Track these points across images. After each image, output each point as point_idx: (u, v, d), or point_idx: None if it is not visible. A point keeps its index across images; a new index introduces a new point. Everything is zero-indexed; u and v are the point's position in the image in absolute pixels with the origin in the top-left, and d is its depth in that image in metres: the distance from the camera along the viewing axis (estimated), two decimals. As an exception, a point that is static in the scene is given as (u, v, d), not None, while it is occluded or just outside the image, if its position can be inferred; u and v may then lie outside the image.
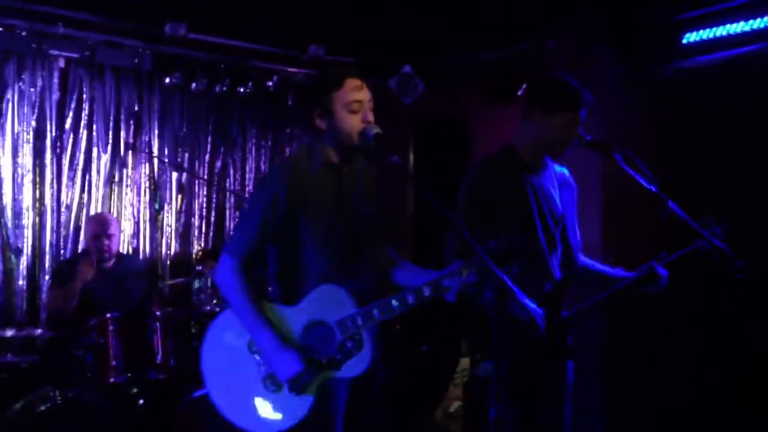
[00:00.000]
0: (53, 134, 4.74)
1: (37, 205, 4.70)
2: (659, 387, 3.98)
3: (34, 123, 4.67)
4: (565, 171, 2.83)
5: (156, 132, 5.15)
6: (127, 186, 5.06)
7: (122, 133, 5.03)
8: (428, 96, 5.11)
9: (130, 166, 5.08)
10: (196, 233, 5.37)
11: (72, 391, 3.50)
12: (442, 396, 4.49)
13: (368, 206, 2.39)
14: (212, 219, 5.44)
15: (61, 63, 4.72)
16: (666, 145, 3.89)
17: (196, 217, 5.38)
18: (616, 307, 2.99)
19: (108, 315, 3.72)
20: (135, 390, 3.78)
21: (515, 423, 2.42)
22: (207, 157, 5.40)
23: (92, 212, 4.82)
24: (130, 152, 5.05)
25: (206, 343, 2.24)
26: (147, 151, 5.10)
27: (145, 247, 5.13)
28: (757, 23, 3.76)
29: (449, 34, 4.64)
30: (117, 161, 5.01)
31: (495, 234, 2.07)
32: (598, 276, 2.78)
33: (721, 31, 3.88)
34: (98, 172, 4.93)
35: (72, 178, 4.83)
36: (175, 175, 5.24)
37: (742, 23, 3.81)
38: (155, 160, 5.14)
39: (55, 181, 4.75)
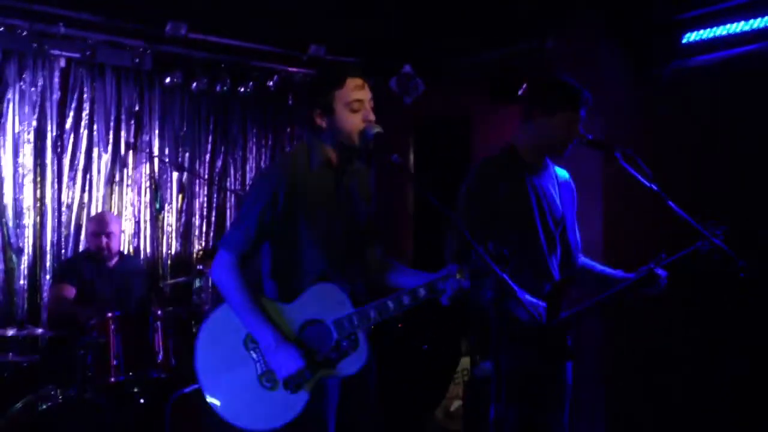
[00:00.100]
0: (54, 134, 4.75)
1: (38, 204, 4.71)
2: (659, 387, 3.98)
3: (34, 123, 4.68)
4: (566, 172, 2.83)
5: (157, 132, 5.16)
6: (127, 186, 5.06)
7: (123, 133, 5.03)
8: (429, 96, 5.12)
9: (130, 165, 5.09)
10: (197, 233, 5.38)
11: (73, 390, 3.50)
12: (443, 395, 4.50)
13: (366, 206, 2.40)
14: (213, 218, 5.45)
15: (62, 63, 4.73)
16: (666, 145, 3.89)
17: (197, 216, 5.38)
18: (616, 308, 2.99)
19: (109, 314, 3.72)
20: (136, 389, 3.78)
21: (515, 423, 2.43)
22: (207, 156, 5.41)
23: (93, 212, 4.83)
24: (130, 152, 5.06)
25: (201, 340, 2.23)
26: (148, 150, 5.10)
27: (145, 246, 5.14)
28: (757, 23, 3.76)
29: (449, 34, 4.64)
30: (118, 161, 5.02)
31: (486, 241, 2.07)
32: (598, 277, 2.78)
33: (721, 30, 3.88)
34: (99, 171, 4.94)
35: (73, 178, 4.84)
36: (175, 174, 5.25)
37: (742, 23, 3.81)
38: (156, 160, 5.14)
39: (55, 180, 4.76)
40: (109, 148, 4.96)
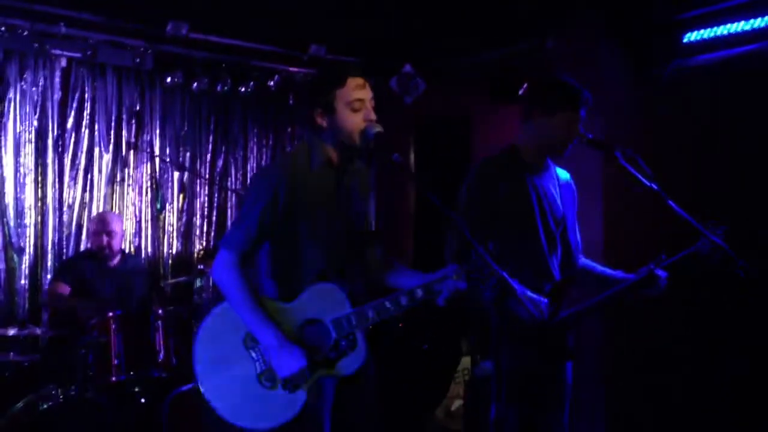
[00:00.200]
0: (55, 134, 4.75)
1: (39, 204, 4.72)
2: (659, 387, 3.98)
3: (36, 122, 4.68)
4: (567, 173, 2.83)
5: (157, 131, 5.17)
6: (128, 185, 5.07)
7: (124, 133, 5.04)
8: (429, 96, 5.12)
9: (131, 165, 5.09)
10: (198, 232, 5.38)
11: (74, 389, 3.51)
12: (444, 395, 4.50)
13: (366, 206, 2.40)
14: (214, 218, 5.45)
15: (63, 62, 4.73)
16: (666, 145, 3.89)
17: (198, 216, 5.39)
18: (616, 308, 3.00)
19: (110, 314, 3.73)
20: (137, 388, 3.79)
21: (515, 423, 2.43)
22: (208, 156, 5.41)
23: (94, 211, 4.84)
24: (131, 152, 5.07)
25: (199, 338, 2.22)
26: (149, 150, 5.11)
27: (146, 246, 5.14)
28: (757, 22, 3.77)
29: (450, 34, 4.65)
30: (119, 160, 5.03)
31: (486, 241, 2.08)
32: (598, 278, 2.78)
33: (721, 30, 3.88)
34: (100, 171, 4.95)
35: (74, 178, 4.84)
36: (176, 174, 5.26)
37: (742, 22, 3.81)
38: (157, 160, 5.15)
39: (57, 180, 4.77)
40: (110, 147, 4.97)
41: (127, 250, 4.88)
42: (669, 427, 3.96)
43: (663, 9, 4.03)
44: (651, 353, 3.96)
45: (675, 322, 3.86)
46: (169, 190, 5.25)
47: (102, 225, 4.30)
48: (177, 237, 5.29)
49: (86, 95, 4.87)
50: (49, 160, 4.73)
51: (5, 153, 4.57)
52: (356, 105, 2.23)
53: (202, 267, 4.37)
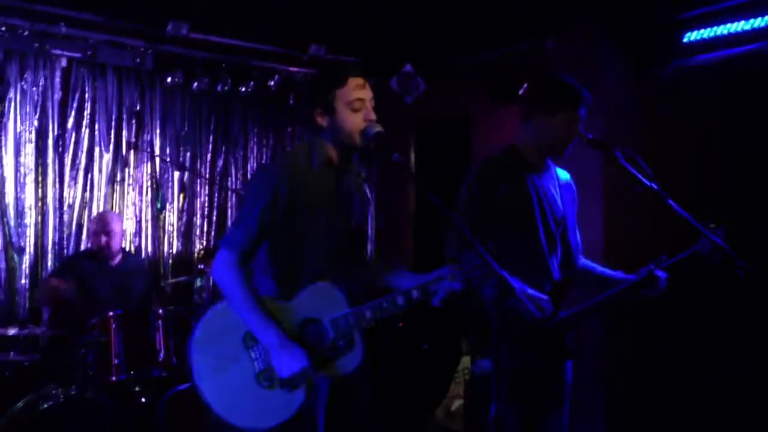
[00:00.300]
0: (55, 133, 4.76)
1: (40, 204, 4.72)
2: (659, 387, 3.98)
3: (36, 122, 4.69)
4: (567, 173, 2.84)
5: (158, 131, 5.17)
6: (129, 185, 5.07)
7: (124, 133, 5.04)
8: (429, 96, 5.12)
9: (132, 165, 5.10)
10: (198, 232, 5.39)
11: (74, 389, 3.51)
12: (444, 394, 4.50)
13: (360, 206, 2.41)
14: (214, 218, 5.45)
15: (63, 62, 4.73)
16: (666, 145, 3.89)
17: (198, 216, 5.39)
18: (616, 309, 3.00)
19: (110, 313, 3.73)
20: (137, 388, 3.79)
21: (515, 423, 2.43)
22: (209, 156, 5.41)
23: (94, 211, 4.84)
24: (132, 151, 5.07)
25: (196, 338, 2.20)
26: (149, 150, 5.11)
27: (147, 246, 5.14)
28: (757, 22, 3.77)
29: (449, 34, 4.65)
30: (119, 160, 5.03)
31: (486, 241, 2.08)
32: (598, 278, 2.79)
33: (721, 30, 3.89)
34: (100, 171, 4.95)
35: (74, 177, 4.85)
36: (176, 174, 5.26)
37: (742, 22, 3.81)
38: (157, 160, 5.15)
39: (57, 180, 4.77)
40: (111, 147, 4.97)
41: (128, 250, 4.89)
42: (669, 427, 3.96)
43: (663, 9, 4.03)
44: (651, 353, 3.96)
45: (675, 322, 3.86)
46: (170, 189, 5.25)
47: (101, 225, 4.30)
48: (177, 237, 5.29)
49: (86, 95, 4.87)
50: (50, 160, 4.73)
51: (5, 153, 4.57)
52: (356, 105, 2.23)
53: (202, 267, 4.38)
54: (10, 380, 3.81)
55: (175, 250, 5.27)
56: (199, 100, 5.31)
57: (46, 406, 3.43)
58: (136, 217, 5.11)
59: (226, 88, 5.07)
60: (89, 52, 4.58)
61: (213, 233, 5.43)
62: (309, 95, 2.34)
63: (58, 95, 4.76)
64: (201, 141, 5.38)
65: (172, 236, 5.27)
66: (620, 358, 4.05)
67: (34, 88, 4.65)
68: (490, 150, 2.78)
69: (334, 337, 2.21)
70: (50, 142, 4.73)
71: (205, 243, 5.38)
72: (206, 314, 2.25)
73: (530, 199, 2.64)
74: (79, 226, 4.85)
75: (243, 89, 5.15)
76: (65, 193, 4.80)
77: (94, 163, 4.92)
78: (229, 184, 5.51)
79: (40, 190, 4.72)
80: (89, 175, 4.90)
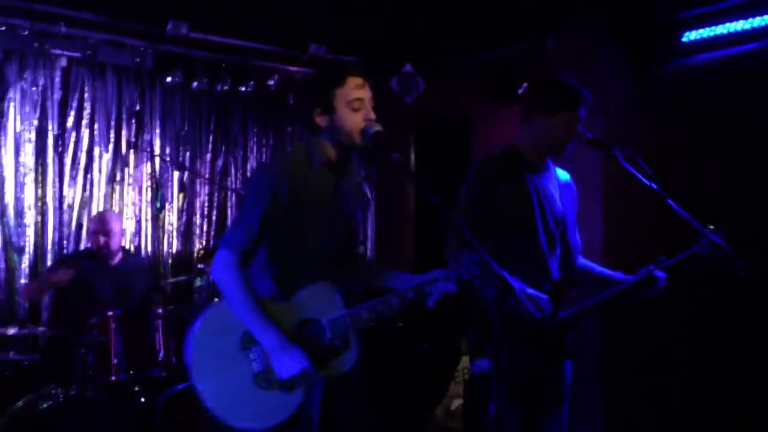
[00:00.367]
0: (55, 133, 4.75)
1: (39, 203, 4.72)
2: (658, 387, 3.98)
3: (36, 122, 4.68)
4: (567, 173, 2.84)
5: (157, 131, 5.16)
6: (128, 185, 5.07)
7: (124, 132, 5.04)
8: (429, 96, 5.12)
9: (131, 164, 5.09)
10: (198, 232, 5.38)
11: (74, 388, 3.51)
12: (443, 394, 4.50)
13: (356, 207, 2.42)
14: (214, 217, 5.45)
15: (63, 62, 4.73)
16: (666, 145, 3.90)
17: (198, 215, 5.39)
18: (615, 309, 3.00)
19: (110, 313, 3.73)
20: (137, 388, 3.79)
21: (514, 422, 2.43)
22: (208, 155, 5.41)
23: (94, 211, 4.83)
24: (131, 151, 5.07)
25: (193, 338, 2.19)
26: (148, 149, 5.11)
27: (146, 245, 5.14)
28: (756, 22, 3.77)
29: (449, 34, 4.65)
30: (119, 160, 5.03)
31: (486, 241, 2.09)
32: (597, 278, 2.79)
33: (720, 29, 3.89)
34: (100, 170, 4.95)
35: (74, 177, 4.84)
36: (176, 173, 5.25)
37: (741, 22, 3.81)
38: (157, 159, 5.15)
39: (56, 179, 4.76)
40: (110, 147, 4.97)
41: (128, 249, 4.88)
42: (668, 427, 3.96)
43: (663, 9, 4.03)
44: (650, 353, 3.97)
45: (674, 322, 3.86)
46: (169, 189, 5.25)
47: (100, 224, 4.30)
48: (177, 236, 5.29)
49: (86, 95, 4.87)
50: (49, 160, 4.73)
51: (5, 152, 4.57)
52: (356, 104, 2.23)
53: (202, 266, 4.37)
54: (9, 380, 3.81)
55: (174, 250, 5.27)
56: (199, 100, 5.31)
57: (45, 405, 3.43)
58: (135, 216, 5.10)
59: (225, 87, 5.07)
60: (89, 52, 4.58)
61: (213, 233, 5.43)
62: (308, 95, 2.34)
63: (57, 95, 4.76)
64: (201, 141, 5.37)
65: (172, 236, 5.27)
66: (619, 358, 4.05)
67: (33, 88, 4.65)
68: (490, 150, 2.78)
69: (332, 338, 2.21)
70: (50, 141, 4.73)
71: (204, 243, 5.38)
72: (204, 314, 2.24)
73: (530, 199, 2.64)
74: (79, 225, 4.85)
75: (243, 89, 5.15)
76: (65, 193, 4.80)
77: (94, 163, 4.92)
78: (229, 183, 5.51)
79: (39, 190, 4.72)
80: (89, 175, 4.90)
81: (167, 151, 5.21)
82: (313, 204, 2.28)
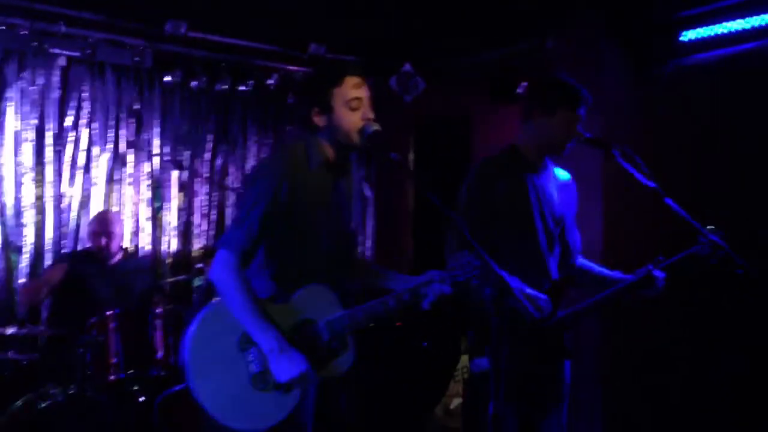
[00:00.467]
0: (54, 132, 4.75)
1: (38, 203, 4.71)
2: (657, 387, 3.98)
3: (34, 121, 4.67)
4: (567, 173, 2.84)
5: (156, 130, 5.16)
6: (128, 184, 5.07)
7: (123, 131, 5.03)
8: (429, 95, 5.12)
9: (130, 164, 5.09)
10: (197, 231, 5.38)
11: (73, 388, 3.51)
12: (443, 393, 4.50)
13: (352, 206, 2.42)
14: (213, 217, 5.45)
15: (62, 61, 4.72)
16: (666, 145, 3.89)
17: (197, 215, 5.38)
18: (614, 308, 3.00)
19: (109, 312, 3.73)
20: (136, 387, 3.78)
21: (513, 422, 2.43)
22: (207, 155, 5.40)
23: (93, 210, 4.83)
24: (130, 150, 5.06)
25: (190, 339, 2.18)
26: (147, 149, 5.11)
27: (145, 245, 5.14)
28: (756, 21, 3.77)
29: (449, 34, 4.65)
30: (118, 159, 5.02)
31: (486, 241, 2.09)
32: (596, 278, 2.79)
33: (719, 28, 3.89)
34: (99, 169, 4.94)
35: (73, 176, 4.84)
36: (175, 173, 5.25)
37: (740, 21, 3.81)
38: (156, 158, 5.15)
39: (55, 179, 4.76)
40: (109, 146, 4.97)
41: (127, 249, 4.88)
42: (667, 427, 3.96)
43: (662, 8, 4.03)
44: (649, 353, 3.97)
45: (673, 322, 3.86)
46: (168, 188, 5.24)
47: (102, 226, 4.29)
48: (176, 236, 5.28)
49: (85, 94, 4.86)
50: (48, 159, 4.72)
51: (4, 152, 4.56)
52: (354, 104, 2.23)
53: (201, 266, 4.37)
54: (8, 379, 3.80)
55: (173, 249, 5.26)
56: (198, 99, 5.30)
57: (44, 405, 3.43)
58: (134, 216, 5.10)
59: (225, 87, 5.06)
60: (88, 51, 4.57)
61: (212, 232, 5.43)
62: (306, 94, 2.33)
63: (56, 94, 4.75)
64: (200, 140, 5.37)
65: (171, 235, 5.27)
66: (618, 358, 4.05)
67: (32, 87, 4.64)
68: (490, 150, 2.78)
69: (329, 339, 2.21)
70: (49, 140, 4.72)
71: (203, 242, 5.38)
72: (202, 314, 2.23)
73: (529, 199, 2.64)
74: (78, 225, 4.85)
75: (242, 88, 5.14)
76: (64, 192, 4.80)
77: (93, 162, 4.91)
78: (228, 183, 5.50)
79: (38, 189, 4.71)
80: (88, 174, 4.89)
81: (167, 150, 5.20)
82: (312, 204, 2.27)
